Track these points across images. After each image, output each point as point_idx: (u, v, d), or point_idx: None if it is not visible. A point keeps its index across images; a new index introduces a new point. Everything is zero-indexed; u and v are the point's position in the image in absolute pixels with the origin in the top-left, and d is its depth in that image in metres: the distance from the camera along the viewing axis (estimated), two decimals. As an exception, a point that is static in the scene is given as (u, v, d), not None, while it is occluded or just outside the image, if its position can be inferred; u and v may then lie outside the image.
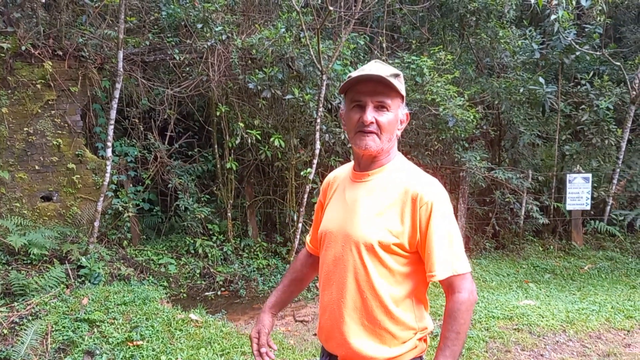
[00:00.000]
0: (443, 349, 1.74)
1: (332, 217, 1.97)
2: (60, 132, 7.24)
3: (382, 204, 1.83)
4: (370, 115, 1.81)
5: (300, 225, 7.35)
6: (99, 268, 6.21)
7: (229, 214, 8.14)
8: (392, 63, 8.03)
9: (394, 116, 1.86)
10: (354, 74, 1.84)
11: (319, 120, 6.94)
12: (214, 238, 8.02)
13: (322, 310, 1.98)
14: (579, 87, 9.11)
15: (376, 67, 1.83)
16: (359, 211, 1.86)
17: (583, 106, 8.91)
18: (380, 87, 1.80)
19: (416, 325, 1.88)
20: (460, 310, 1.76)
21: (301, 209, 7.24)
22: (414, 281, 1.87)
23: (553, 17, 7.44)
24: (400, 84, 1.84)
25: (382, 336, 1.83)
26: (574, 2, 6.99)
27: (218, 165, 8.21)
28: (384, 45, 8.81)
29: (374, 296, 1.82)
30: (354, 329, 1.85)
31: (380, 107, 1.83)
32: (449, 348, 1.74)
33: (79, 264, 6.18)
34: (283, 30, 7.01)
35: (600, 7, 7.20)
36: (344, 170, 2.09)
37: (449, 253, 1.78)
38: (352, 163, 2.06)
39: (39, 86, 7.03)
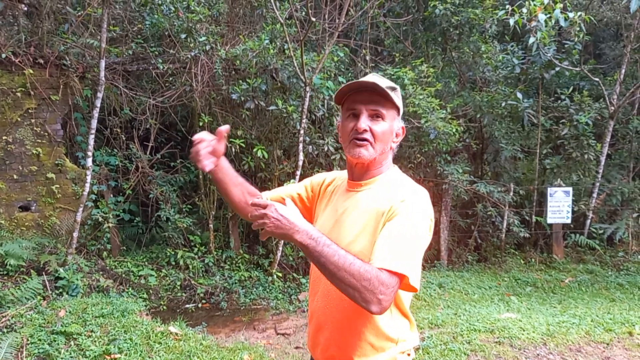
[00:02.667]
0: (333, 244, 1.56)
1: (323, 226, 1.94)
2: (40, 141, 7.14)
3: (368, 217, 1.80)
4: (364, 123, 1.80)
5: (282, 237, 7.29)
6: (77, 279, 6.11)
7: (211, 225, 8.08)
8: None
9: (389, 127, 1.84)
10: (350, 82, 1.84)
11: (302, 132, 6.94)
12: (196, 249, 7.95)
13: (309, 317, 2.00)
14: (559, 101, 9.23)
15: (373, 78, 1.84)
16: (345, 222, 1.85)
17: (563, 120, 9.03)
18: (375, 97, 1.80)
19: (397, 337, 1.83)
20: (372, 273, 1.52)
21: (284, 221, 7.19)
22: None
23: (532, 39, 7.55)
24: (396, 95, 1.84)
25: (363, 347, 1.81)
26: (552, 22, 7.08)
27: (200, 176, 8.16)
28: (368, 58, 8.86)
29: (356, 307, 1.71)
30: (336, 337, 1.84)
31: (375, 116, 1.82)
32: (332, 247, 1.55)
33: (56, 275, 6.07)
34: (267, 41, 7.02)
35: (578, 28, 7.32)
36: (342, 177, 2.06)
37: (407, 255, 1.62)
38: (345, 173, 2.05)
39: (19, 94, 6.93)
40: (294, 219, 1.56)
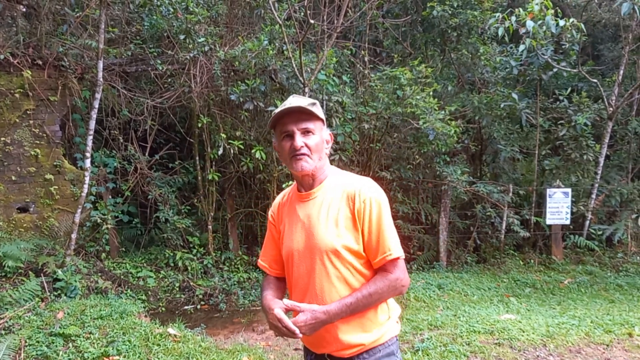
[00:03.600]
0: (347, 299, 2.00)
1: (294, 237, 2.17)
2: (38, 142, 7.12)
3: (334, 213, 2.07)
4: (299, 140, 2.07)
5: (281, 238, 7.29)
6: (75, 281, 6.09)
7: (210, 227, 8.07)
8: (373, 77, 8.07)
9: (320, 138, 2.13)
10: (278, 109, 2.09)
11: (301, 133, 6.92)
12: (194, 251, 7.93)
13: None
14: (557, 103, 9.23)
15: (296, 100, 2.10)
16: (316, 224, 2.09)
17: (562, 122, 9.02)
18: (303, 116, 2.08)
19: (388, 309, 2.15)
20: (384, 281, 2.02)
21: (283, 222, 7.18)
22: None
23: (521, 47, 7.63)
24: (318, 110, 2.12)
25: (365, 325, 2.07)
26: (544, 28, 7.09)
27: (199, 177, 8.15)
28: (366, 59, 8.86)
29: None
30: (340, 326, 2.06)
31: (306, 132, 2.09)
32: (352, 302, 1.99)
33: (55, 276, 6.05)
34: (266, 42, 7.01)
35: (570, 35, 7.34)
36: (286, 197, 2.32)
37: (392, 240, 2.04)
38: (289, 190, 2.32)
39: (17, 95, 6.92)
40: (316, 314, 1.97)
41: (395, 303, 2.22)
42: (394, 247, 2.03)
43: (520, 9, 7.19)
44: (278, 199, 2.38)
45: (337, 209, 2.06)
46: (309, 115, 2.09)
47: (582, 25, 7.34)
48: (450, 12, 8.53)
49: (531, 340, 4.95)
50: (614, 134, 9.80)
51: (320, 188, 2.15)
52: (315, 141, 2.10)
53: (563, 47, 8.89)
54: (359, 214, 2.03)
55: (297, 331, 1.99)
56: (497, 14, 7.48)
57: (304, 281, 2.13)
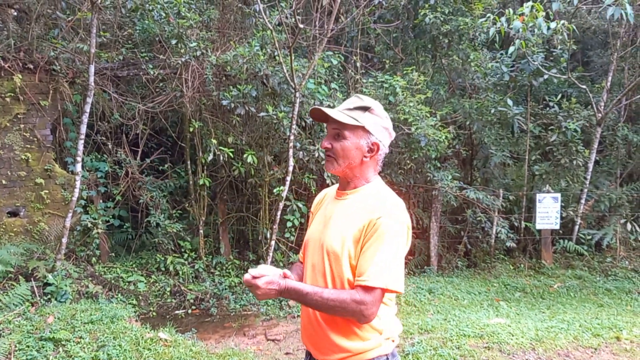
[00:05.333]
0: (307, 286, 1.97)
1: (314, 229, 2.23)
2: (29, 146, 7.10)
3: (351, 222, 2.03)
4: (326, 141, 2.11)
5: (273, 242, 7.31)
6: (66, 285, 6.06)
7: (201, 231, 8.06)
8: (365, 82, 8.11)
9: (351, 144, 2.06)
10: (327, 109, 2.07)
11: (292, 138, 6.95)
12: (186, 255, 7.92)
13: (302, 309, 2.22)
14: (547, 108, 9.31)
15: (348, 102, 2.11)
16: (332, 225, 2.09)
17: (552, 127, 9.10)
18: (334, 118, 2.04)
19: (381, 327, 2.05)
20: (348, 296, 1.90)
21: (274, 226, 7.20)
22: None
23: (511, 49, 7.71)
24: (362, 117, 2.05)
25: (349, 334, 2.02)
26: (537, 30, 7.17)
27: (191, 182, 8.14)
28: (358, 64, 8.90)
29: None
30: (325, 325, 2.06)
31: (337, 135, 2.08)
32: (309, 292, 1.93)
33: (45, 281, 6.02)
34: (257, 47, 7.03)
35: (560, 37, 7.42)
36: (332, 190, 2.32)
37: (378, 268, 1.91)
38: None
39: (8, 99, 6.90)
40: (275, 285, 1.92)
41: (394, 322, 2.15)
42: (376, 274, 1.89)
43: (510, 10, 7.28)
44: (325, 190, 2.41)
45: (354, 219, 2.01)
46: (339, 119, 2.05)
47: (573, 27, 7.43)
48: (441, 19, 8.60)
49: (520, 344, 4.98)
50: (603, 140, 9.89)
51: (353, 193, 2.12)
52: (342, 146, 2.06)
53: (553, 53, 8.98)
54: (366, 231, 1.96)
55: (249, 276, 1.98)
56: (489, 15, 7.55)
57: (306, 273, 2.18)
